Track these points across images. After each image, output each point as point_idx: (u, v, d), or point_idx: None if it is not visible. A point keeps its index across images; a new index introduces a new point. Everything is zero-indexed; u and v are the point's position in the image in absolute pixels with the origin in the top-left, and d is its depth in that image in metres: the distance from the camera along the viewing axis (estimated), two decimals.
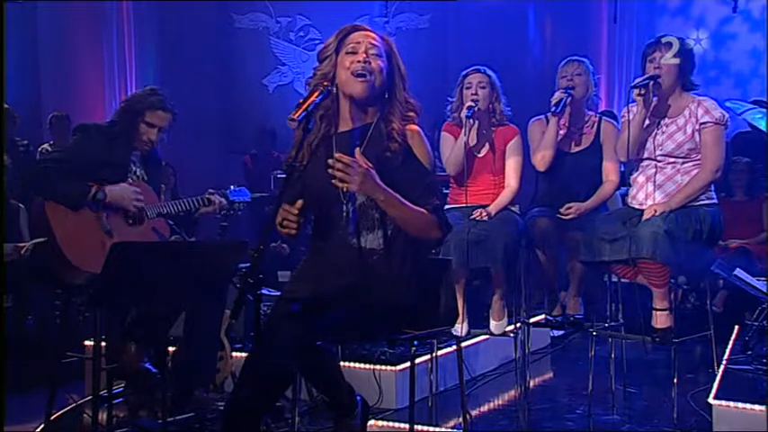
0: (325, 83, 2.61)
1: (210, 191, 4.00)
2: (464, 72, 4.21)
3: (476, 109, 4.06)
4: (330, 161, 2.44)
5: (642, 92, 3.69)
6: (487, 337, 4.36)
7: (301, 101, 2.52)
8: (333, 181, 2.45)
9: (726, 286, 5.66)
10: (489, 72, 4.18)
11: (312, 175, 2.65)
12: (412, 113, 2.70)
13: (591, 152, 4.22)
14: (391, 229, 2.63)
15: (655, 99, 3.73)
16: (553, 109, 4.10)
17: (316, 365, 2.70)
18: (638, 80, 3.74)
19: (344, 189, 2.50)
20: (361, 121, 2.69)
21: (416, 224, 2.58)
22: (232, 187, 4.17)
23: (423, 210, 2.57)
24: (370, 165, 2.48)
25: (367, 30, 2.73)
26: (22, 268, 3.94)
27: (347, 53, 2.65)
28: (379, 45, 2.68)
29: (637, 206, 3.80)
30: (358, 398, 2.81)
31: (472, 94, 4.10)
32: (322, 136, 2.68)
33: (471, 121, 4.05)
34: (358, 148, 2.51)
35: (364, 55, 2.63)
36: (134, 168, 3.77)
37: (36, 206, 3.59)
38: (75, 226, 3.49)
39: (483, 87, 4.13)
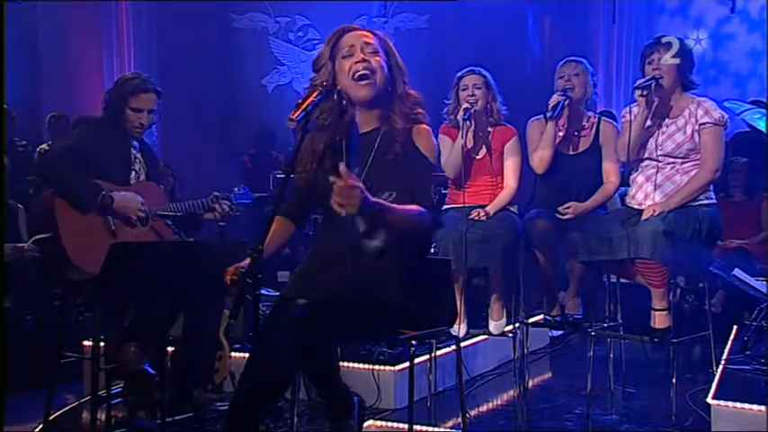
0: (324, 82, 2.55)
1: (216, 194, 3.91)
2: (459, 73, 4.21)
3: (472, 111, 4.05)
4: (331, 179, 2.25)
5: (645, 93, 3.69)
6: (486, 337, 4.37)
7: (300, 101, 2.47)
8: (334, 207, 2.27)
9: (724, 286, 5.65)
10: (484, 72, 4.17)
11: (324, 180, 2.57)
12: (419, 110, 2.62)
13: (590, 153, 4.21)
14: (391, 228, 2.57)
15: (656, 100, 3.73)
16: (550, 113, 4.09)
17: (319, 366, 2.68)
18: (640, 81, 3.74)
19: (345, 214, 2.29)
20: (372, 124, 2.62)
21: (408, 224, 2.50)
22: (236, 189, 4.09)
23: (413, 208, 2.50)
24: (358, 184, 2.27)
25: (358, 29, 2.64)
26: (27, 266, 3.94)
27: (344, 57, 2.57)
28: (374, 43, 2.59)
29: (636, 206, 3.80)
30: (355, 399, 2.81)
31: (468, 96, 4.10)
32: (331, 141, 2.57)
33: (468, 123, 4.05)
34: (342, 164, 2.28)
35: (362, 55, 2.55)
36: (136, 158, 3.77)
37: (43, 199, 3.58)
38: (81, 225, 3.47)
39: (479, 88, 4.13)
